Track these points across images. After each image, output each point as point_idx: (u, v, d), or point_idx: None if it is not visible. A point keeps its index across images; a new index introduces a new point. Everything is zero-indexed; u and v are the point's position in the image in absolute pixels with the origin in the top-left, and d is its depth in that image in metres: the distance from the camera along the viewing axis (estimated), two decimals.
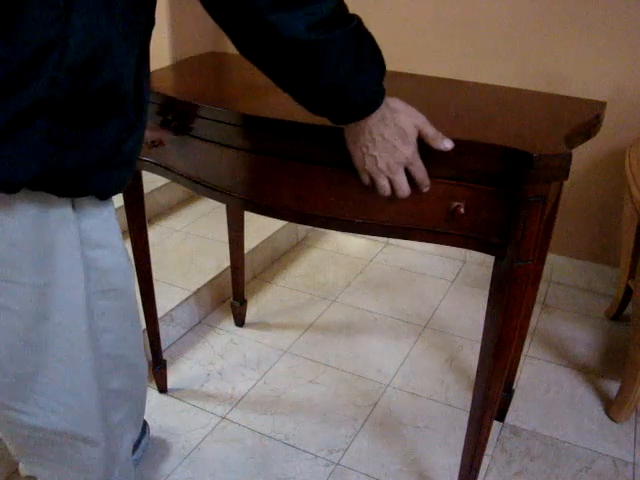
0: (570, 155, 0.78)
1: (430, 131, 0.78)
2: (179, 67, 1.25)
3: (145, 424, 1.36)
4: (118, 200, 1.26)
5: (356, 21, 0.72)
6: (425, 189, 0.82)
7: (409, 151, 0.78)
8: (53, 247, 0.73)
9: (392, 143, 0.76)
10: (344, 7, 0.72)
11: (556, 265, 2.03)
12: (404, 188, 0.81)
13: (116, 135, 0.70)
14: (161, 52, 2.21)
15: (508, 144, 0.80)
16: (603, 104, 1.03)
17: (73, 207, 0.75)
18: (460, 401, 1.52)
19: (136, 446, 1.30)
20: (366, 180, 0.82)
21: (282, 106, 0.92)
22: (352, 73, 0.72)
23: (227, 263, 1.77)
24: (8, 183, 0.62)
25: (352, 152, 0.80)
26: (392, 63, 1.66)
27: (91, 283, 0.81)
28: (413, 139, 0.78)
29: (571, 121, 0.92)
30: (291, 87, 0.75)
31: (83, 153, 0.67)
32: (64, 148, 0.65)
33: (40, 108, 0.61)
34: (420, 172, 0.80)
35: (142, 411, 1.13)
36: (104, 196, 0.76)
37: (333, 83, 0.71)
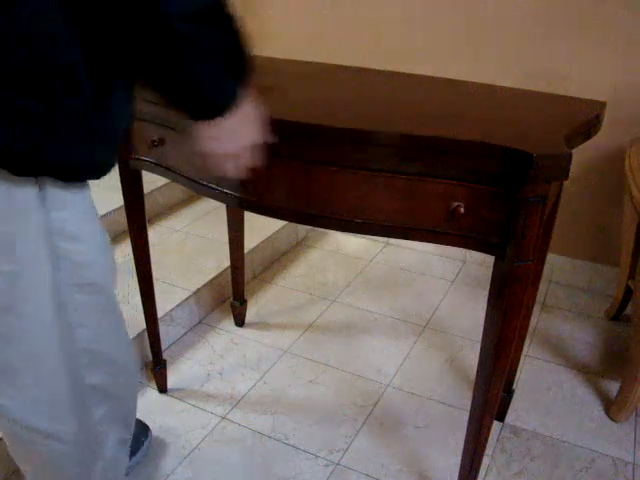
0: (570, 155, 0.78)
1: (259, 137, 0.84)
2: None
3: (147, 428, 1.36)
4: (118, 200, 1.27)
5: (232, 22, 0.70)
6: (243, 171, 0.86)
7: (243, 146, 0.82)
8: (16, 235, 0.72)
9: (234, 137, 0.81)
10: (224, 4, 0.69)
11: (556, 265, 2.03)
12: (234, 172, 0.85)
13: (74, 111, 0.68)
14: None
15: (508, 144, 0.80)
16: (603, 104, 1.03)
17: (43, 196, 0.73)
18: (460, 401, 1.52)
19: (137, 448, 1.30)
20: (200, 160, 0.85)
21: (282, 107, 0.92)
22: (215, 75, 0.72)
23: (227, 263, 1.78)
24: None
25: (197, 135, 0.80)
26: (391, 62, 1.66)
27: (63, 275, 0.80)
28: (249, 138, 0.82)
29: (571, 121, 0.92)
30: (146, 72, 0.72)
31: (46, 127, 0.66)
32: (29, 121, 0.64)
33: (4, 80, 0.61)
34: (245, 163, 0.85)
35: (130, 411, 1.12)
36: (66, 176, 0.74)
37: (192, 80, 0.70)
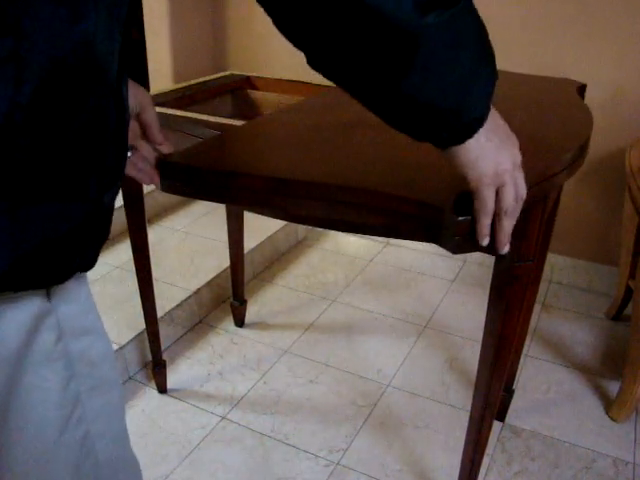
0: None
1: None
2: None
3: None
4: (118, 200, 1.27)
5: None
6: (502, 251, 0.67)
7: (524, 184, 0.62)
8: (20, 354, 0.54)
9: (514, 172, 0.60)
10: None
11: (556, 265, 2.03)
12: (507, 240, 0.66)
13: (98, 184, 0.51)
14: (163, 67, 2.22)
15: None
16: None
17: (48, 295, 0.56)
18: (460, 401, 1.52)
19: None
20: (486, 230, 0.65)
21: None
22: (470, 73, 0.53)
23: (227, 263, 1.77)
24: None
25: (476, 188, 0.61)
26: None
27: (79, 381, 0.63)
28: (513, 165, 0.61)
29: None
30: (373, 94, 0.54)
31: (62, 223, 0.49)
32: (37, 229, 0.47)
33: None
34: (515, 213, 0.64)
35: None
36: (91, 265, 0.58)
37: (443, 89, 0.52)
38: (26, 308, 0.53)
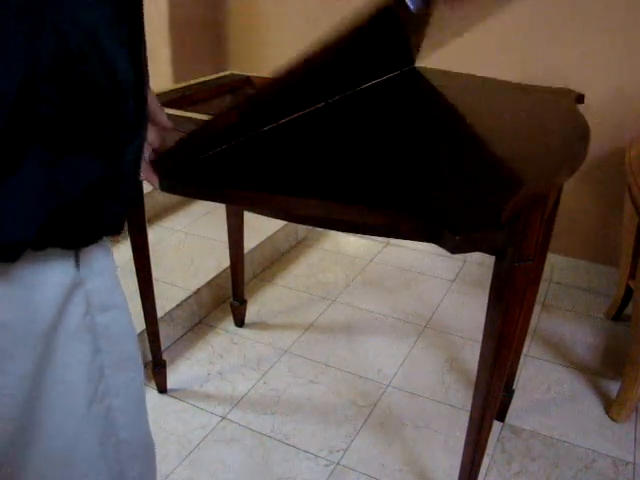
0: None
1: None
2: None
3: None
4: None
5: None
6: None
7: None
8: (54, 325, 0.56)
9: None
10: None
11: (556, 265, 2.03)
12: None
13: (120, 138, 0.54)
14: (163, 66, 2.22)
15: None
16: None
17: (77, 265, 0.57)
18: (460, 401, 1.52)
19: None
20: None
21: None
22: None
23: (227, 263, 1.78)
24: (5, 249, 0.47)
25: None
26: None
27: (103, 356, 0.64)
28: None
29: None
30: None
31: (90, 175, 0.51)
32: (70, 179, 0.49)
33: (29, 137, 0.45)
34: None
35: None
36: (119, 228, 0.59)
37: None
38: (58, 277, 0.54)
